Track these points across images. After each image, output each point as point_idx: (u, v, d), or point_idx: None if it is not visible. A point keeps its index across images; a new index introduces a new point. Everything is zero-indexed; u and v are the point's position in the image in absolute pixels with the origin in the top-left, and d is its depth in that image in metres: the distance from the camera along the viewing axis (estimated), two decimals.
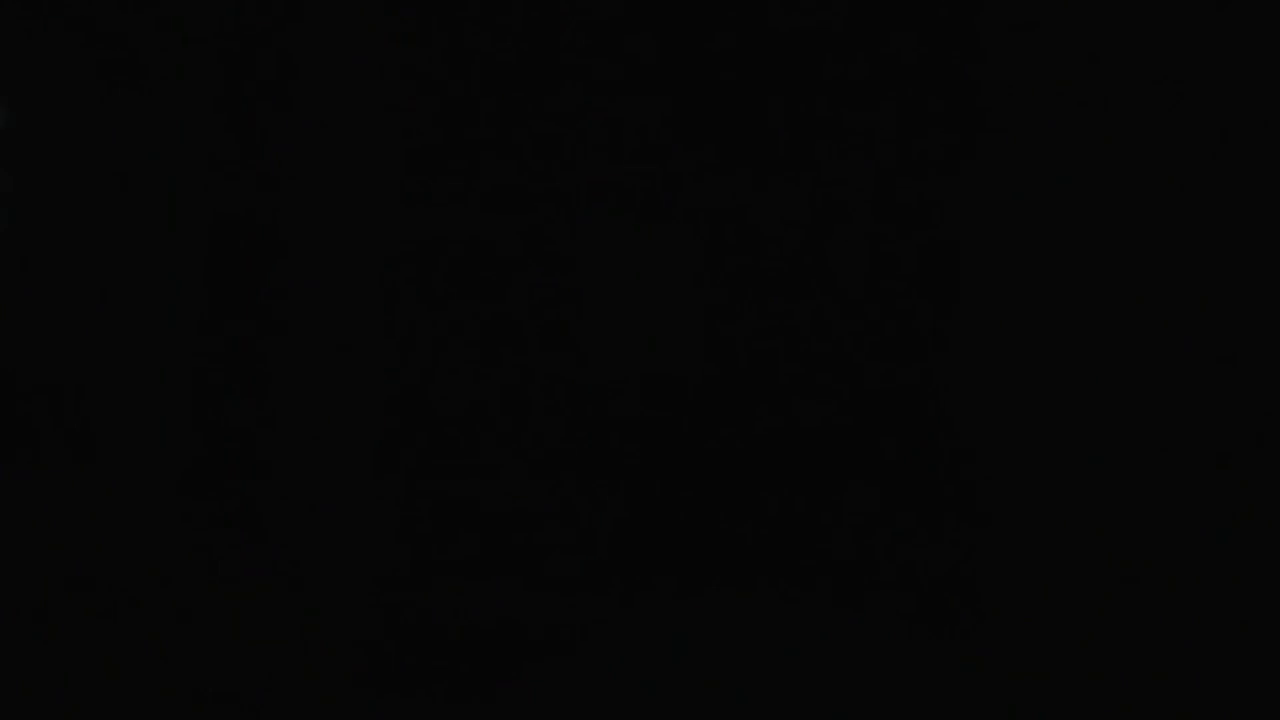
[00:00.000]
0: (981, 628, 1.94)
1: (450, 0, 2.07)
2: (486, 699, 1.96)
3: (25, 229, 2.04)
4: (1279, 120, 1.92)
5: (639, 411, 2.04)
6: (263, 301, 2.06)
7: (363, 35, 2.07)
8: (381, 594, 2.01)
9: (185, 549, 2.01)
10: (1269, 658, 1.86)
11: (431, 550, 2.04)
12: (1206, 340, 1.93)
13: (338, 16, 2.07)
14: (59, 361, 2.05)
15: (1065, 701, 1.89)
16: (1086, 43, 1.98)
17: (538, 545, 2.03)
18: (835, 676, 1.93)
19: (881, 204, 2.04)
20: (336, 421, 2.04)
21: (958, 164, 2.03)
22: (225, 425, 2.04)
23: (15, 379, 2.03)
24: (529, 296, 2.07)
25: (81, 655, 1.96)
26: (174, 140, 2.07)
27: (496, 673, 1.97)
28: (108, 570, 2.00)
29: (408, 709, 1.97)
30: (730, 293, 2.05)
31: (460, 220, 2.08)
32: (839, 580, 1.99)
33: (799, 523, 2.01)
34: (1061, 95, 1.99)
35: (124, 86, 2.07)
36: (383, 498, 2.04)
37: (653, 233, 2.07)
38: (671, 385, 2.04)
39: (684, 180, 2.07)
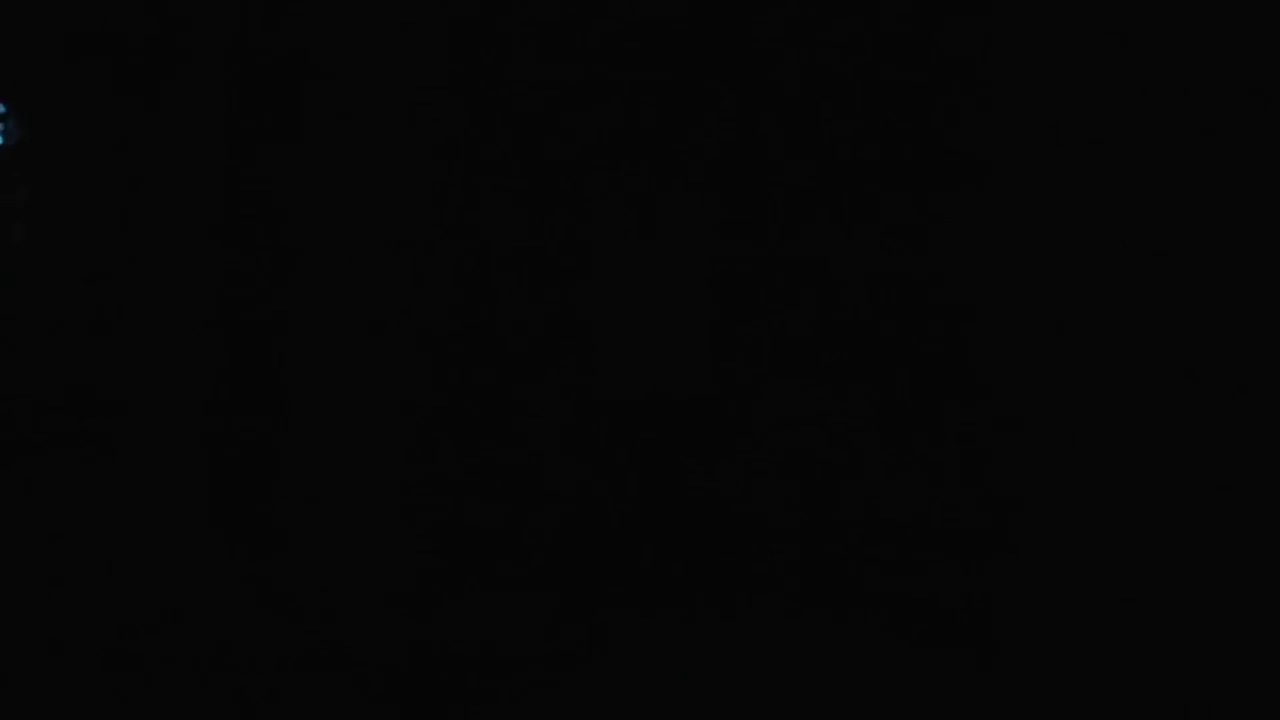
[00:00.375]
0: (997, 643, 1.92)
1: (465, 11, 2.09)
2: (493, 707, 1.96)
3: (41, 239, 2.07)
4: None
5: (651, 421, 2.04)
6: (278, 308, 2.08)
7: (378, 45, 2.09)
8: (394, 602, 2.02)
9: (201, 555, 2.03)
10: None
11: (441, 560, 2.04)
12: (1229, 349, 1.91)
13: (348, 23, 2.09)
14: (75, 368, 2.08)
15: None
16: (1097, 46, 1.96)
17: (545, 556, 2.03)
18: (846, 689, 1.92)
19: (891, 212, 2.03)
20: (351, 434, 2.05)
21: (969, 169, 2.02)
22: (240, 433, 2.06)
23: (32, 385, 2.06)
24: (541, 316, 2.07)
25: (94, 659, 1.98)
26: (186, 149, 2.10)
27: (502, 682, 1.97)
28: (122, 574, 2.03)
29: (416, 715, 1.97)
30: (741, 305, 2.05)
31: (469, 228, 2.10)
32: (849, 593, 1.97)
33: (810, 535, 2.00)
34: (1073, 99, 1.97)
35: (135, 96, 2.10)
36: (397, 509, 2.05)
37: (663, 237, 2.07)
38: (680, 395, 2.04)
39: (691, 185, 2.07)
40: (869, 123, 2.03)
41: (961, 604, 1.95)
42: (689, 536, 2.02)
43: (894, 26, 2.03)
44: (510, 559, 2.04)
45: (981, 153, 2.01)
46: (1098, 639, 1.89)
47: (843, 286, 2.03)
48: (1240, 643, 1.85)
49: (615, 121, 2.07)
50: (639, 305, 2.06)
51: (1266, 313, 1.89)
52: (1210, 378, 1.90)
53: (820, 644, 1.94)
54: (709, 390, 2.04)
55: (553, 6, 2.07)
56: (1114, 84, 1.95)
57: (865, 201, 2.03)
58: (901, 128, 2.03)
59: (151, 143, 2.10)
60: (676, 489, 2.03)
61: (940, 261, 2.02)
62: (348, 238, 2.08)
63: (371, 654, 1.99)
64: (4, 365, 2.06)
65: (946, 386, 2.00)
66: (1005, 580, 1.93)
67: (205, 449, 2.04)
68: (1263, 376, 1.88)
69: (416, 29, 2.09)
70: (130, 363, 2.07)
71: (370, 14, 2.08)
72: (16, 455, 2.04)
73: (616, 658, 1.96)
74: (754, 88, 2.05)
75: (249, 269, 2.08)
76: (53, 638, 1.97)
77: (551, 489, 2.04)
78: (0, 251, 2.07)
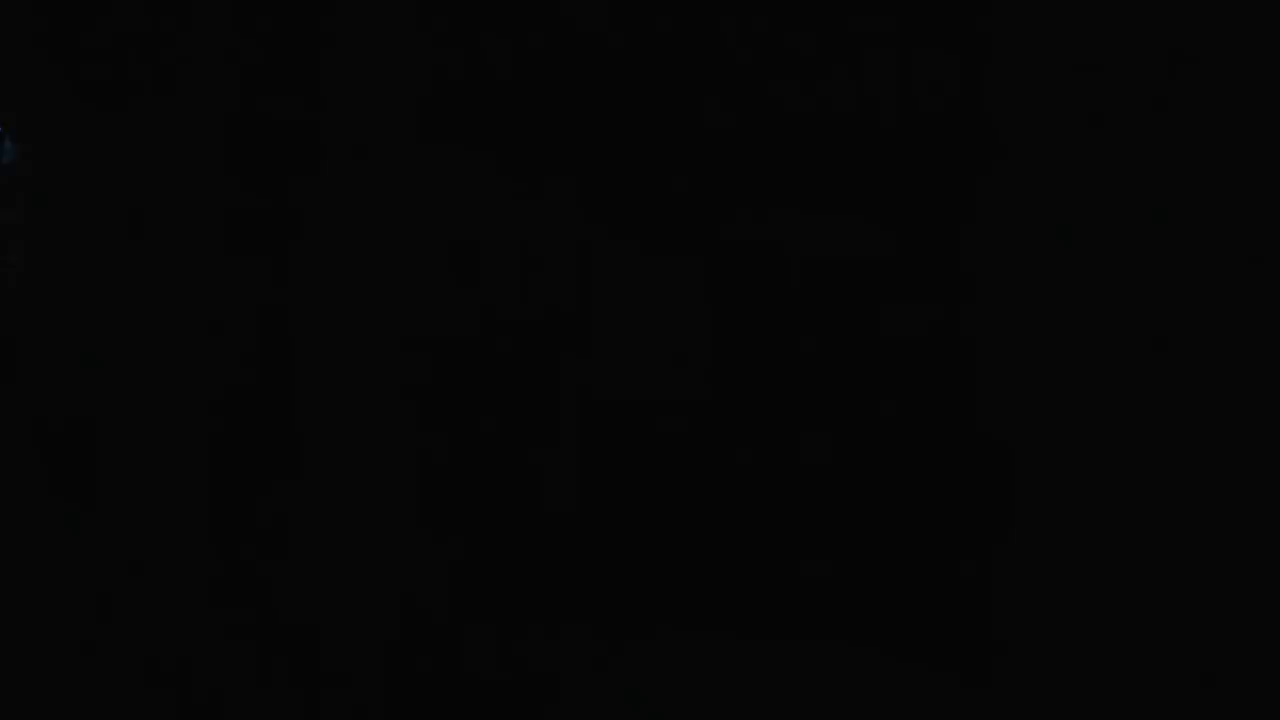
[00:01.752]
0: (1000, 665, 1.91)
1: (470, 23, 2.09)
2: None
3: (38, 257, 2.07)
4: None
5: (649, 435, 2.03)
6: (283, 319, 2.08)
7: (383, 54, 2.09)
8: (394, 612, 2.02)
9: (206, 569, 2.03)
10: None
11: (448, 582, 2.04)
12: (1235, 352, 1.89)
13: (350, 37, 2.09)
14: (73, 384, 2.08)
15: None
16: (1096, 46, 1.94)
17: (550, 581, 2.02)
18: (847, 705, 1.91)
19: (892, 212, 2.02)
20: (357, 453, 2.06)
21: (973, 175, 2.00)
22: (246, 451, 2.06)
23: (34, 405, 2.07)
24: (546, 323, 2.07)
25: (92, 672, 1.99)
26: (188, 165, 2.10)
27: (511, 710, 1.97)
28: (119, 584, 2.03)
29: None
30: (737, 320, 2.04)
31: (472, 233, 2.09)
32: (854, 616, 1.96)
33: (812, 558, 1.98)
34: (1077, 97, 1.95)
35: (136, 113, 2.11)
36: (401, 519, 2.05)
37: (661, 234, 2.06)
38: (678, 410, 2.03)
39: (686, 190, 2.06)
40: (867, 125, 2.02)
41: (961, 619, 1.94)
42: (687, 546, 2.01)
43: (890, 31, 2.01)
44: (515, 570, 2.03)
45: (986, 150, 1.99)
46: (1101, 653, 1.87)
47: (850, 301, 2.02)
48: (1239, 644, 1.82)
49: (613, 122, 2.07)
50: (641, 311, 2.05)
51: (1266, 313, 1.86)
52: (1208, 376, 1.88)
53: (819, 660, 1.93)
54: (705, 398, 2.03)
55: (558, 12, 2.06)
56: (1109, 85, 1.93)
57: (864, 200, 2.02)
58: (900, 130, 2.01)
59: (152, 160, 2.10)
60: (674, 498, 2.02)
61: (942, 263, 2.00)
62: (353, 246, 2.08)
63: (368, 666, 1.99)
64: (2, 382, 2.07)
65: (944, 391, 1.98)
66: (1004, 594, 1.92)
67: (208, 465, 2.05)
68: (1260, 376, 1.86)
69: (415, 31, 2.08)
70: (130, 379, 2.07)
71: (375, 23, 2.08)
72: (14, 471, 2.04)
73: (615, 670, 1.95)
74: (752, 90, 2.04)
75: (252, 283, 2.08)
76: (49, 644, 1.98)
77: (559, 498, 2.04)
78: None
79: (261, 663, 1.99)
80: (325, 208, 2.09)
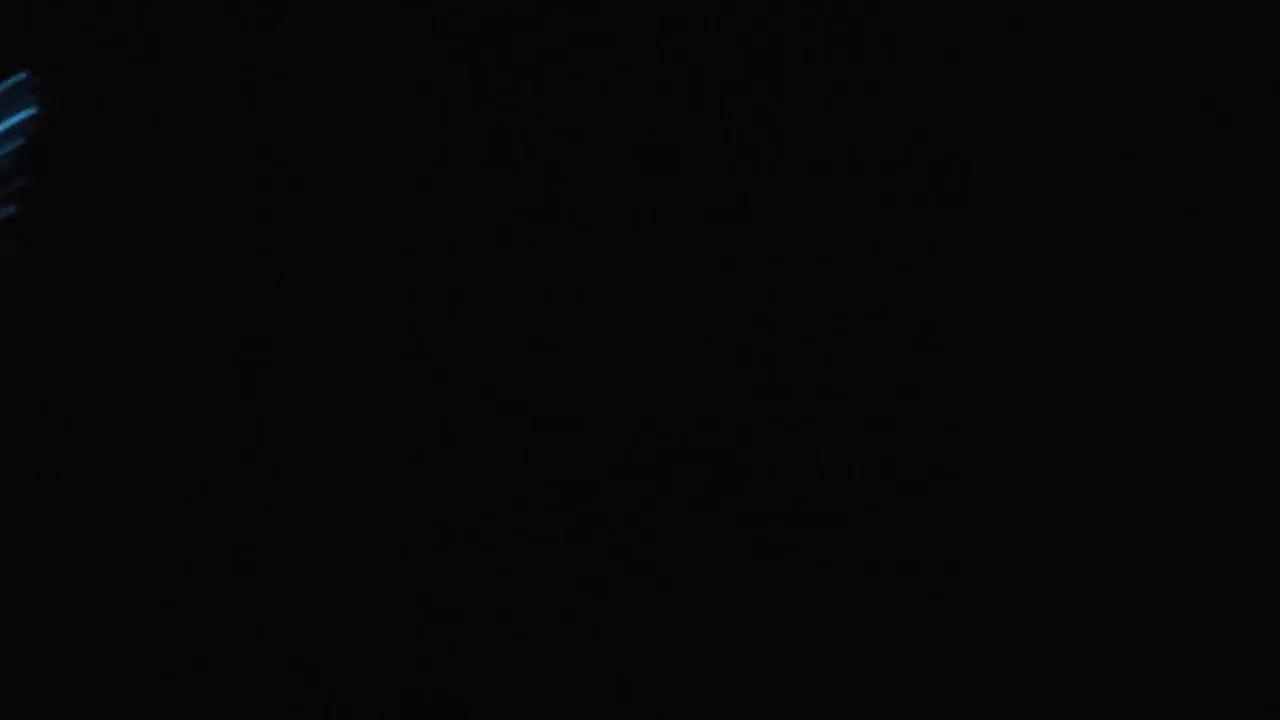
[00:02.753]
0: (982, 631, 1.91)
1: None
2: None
3: (32, 252, 2.07)
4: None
5: (634, 401, 2.02)
6: (273, 313, 2.08)
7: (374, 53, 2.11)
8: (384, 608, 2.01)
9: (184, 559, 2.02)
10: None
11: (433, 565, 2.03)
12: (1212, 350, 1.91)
13: (349, 30, 2.11)
14: (64, 380, 2.08)
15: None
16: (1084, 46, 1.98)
17: (533, 553, 2.02)
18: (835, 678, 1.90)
19: (882, 212, 2.04)
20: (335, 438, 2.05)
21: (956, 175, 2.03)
22: (232, 445, 2.06)
23: (21, 396, 2.06)
24: (533, 319, 2.07)
25: (77, 664, 1.97)
26: (181, 160, 2.11)
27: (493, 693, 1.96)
28: (107, 578, 2.02)
29: None
30: (725, 289, 2.04)
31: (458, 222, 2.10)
32: (835, 579, 1.95)
33: (794, 522, 1.98)
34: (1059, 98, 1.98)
35: (129, 109, 2.12)
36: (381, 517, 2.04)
37: (651, 232, 2.07)
38: (666, 382, 2.03)
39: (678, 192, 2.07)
40: (866, 131, 2.04)
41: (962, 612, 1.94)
42: (683, 536, 2.00)
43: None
44: (508, 561, 2.02)
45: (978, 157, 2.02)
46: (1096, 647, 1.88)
47: (836, 281, 2.03)
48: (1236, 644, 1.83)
49: (613, 123, 2.08)
50: (637, 308, 2.06)
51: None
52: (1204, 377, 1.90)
53: (822, 642, 1.93)
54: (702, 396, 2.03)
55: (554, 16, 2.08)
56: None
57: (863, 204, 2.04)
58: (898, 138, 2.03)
59: (145, 155, 2.10)
60: (669, 490, 2.02)
61: (938, 265, 2.02)
62: (347, 249, 2.08)
63: (362, 663, 1.98)
64: None
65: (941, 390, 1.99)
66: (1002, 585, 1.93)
67: (194, 458, 2.04)
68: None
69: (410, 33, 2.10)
70: (120, 375, 2.06)
71: (367, 24, 2.09)
72: (5, 466, 2.03)
73: (615, 659, 1.95)
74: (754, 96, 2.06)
75: (243, 279, 2.08)
76: (38, 642, 1.96)
77: (549, 487, 2.03)
78: None
79: (247, 662, 1.98)
80: (318, 200, 2.09)
